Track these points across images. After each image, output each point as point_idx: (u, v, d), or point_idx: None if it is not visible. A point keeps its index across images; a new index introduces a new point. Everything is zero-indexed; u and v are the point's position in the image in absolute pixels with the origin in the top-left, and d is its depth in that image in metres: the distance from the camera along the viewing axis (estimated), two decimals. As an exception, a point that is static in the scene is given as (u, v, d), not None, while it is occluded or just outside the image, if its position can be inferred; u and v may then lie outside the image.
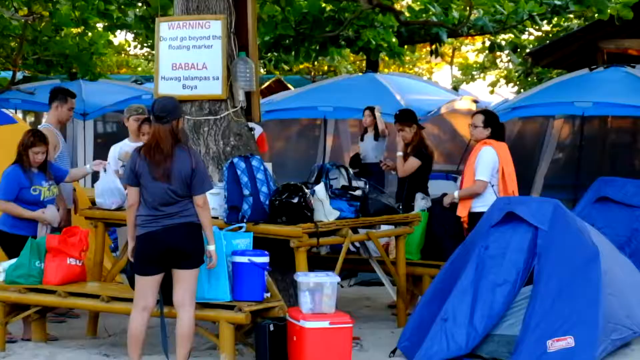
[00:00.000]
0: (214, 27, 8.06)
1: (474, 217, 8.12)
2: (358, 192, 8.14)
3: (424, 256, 8.78)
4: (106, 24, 16.34)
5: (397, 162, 9.57)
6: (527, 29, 20.79)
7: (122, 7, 13.93)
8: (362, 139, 12.02)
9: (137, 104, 10.09)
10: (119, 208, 7.94)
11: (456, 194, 8.51)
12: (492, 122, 8.53)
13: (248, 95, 8.27)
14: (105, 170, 8.01)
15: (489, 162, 8.35)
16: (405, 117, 9.66)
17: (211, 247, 6.53)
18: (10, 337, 7.68)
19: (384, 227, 8.42)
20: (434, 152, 9.78)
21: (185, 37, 8.14)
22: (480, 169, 8.34)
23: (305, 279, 6.77)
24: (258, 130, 10.34)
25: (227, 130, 8.14)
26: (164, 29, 8.24)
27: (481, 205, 8.22)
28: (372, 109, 11.85)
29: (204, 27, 8.09)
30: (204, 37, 8.09)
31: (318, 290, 6.72)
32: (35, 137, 7.74)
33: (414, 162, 9.38)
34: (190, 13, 8.19)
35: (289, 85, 21.11)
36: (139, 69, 29.64)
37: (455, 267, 7.19)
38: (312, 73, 26.80)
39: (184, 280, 6.47)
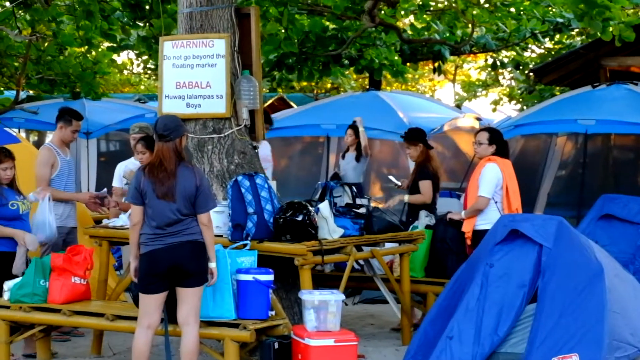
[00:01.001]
0: (218, 46, 8.08)
1: (478, 234, 8.12)
2: (362, 210, 8.15)
3: (428, 274, 8.78)
4: (109, 44, 16.38)
5: (418, 197, 9.56)
6: (529, 46, 20.87)
7: (126, 27, 13.93)
8: (343, 157, 11.81)
9: (144, 122, 10.08)
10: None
11: (463, 214, 8.50)
12: (497, 139, 8.53)
13: (252, 113, 8.28)
14: (42, 200, 7.89)
15: (492, 178, 8.34)
16: (412, 136, 9.68)
17: (212, 265, 6.55)
18: (13, 357, 7.66)
19: (388, 245, 8.42)
20: (437, 171, 9.76)
21: (189, 55, 8.15)
22: (483, 185, 8.34)
23: (310, 296, 6.77)
24: (266, 146, 10.39)
25: (231, 149, 8.15)
26: (168, 47, 8.25)
27: (485, 222, 8.21)
28: (354, 128, 11.48)
29: (207, 45, 8.10)
30: (208, 56, 8.10)
31: (323, 308, 6.72)
32: (1, 153, 7.74)
33: (426, 185, 9.41)
34: (194, 32, 8.21)
35: (292, 103, 21.11)
36: (142, 86, 29.68)
37: (459, 284, 7.16)
38: (315, 91, 26.81)
39: (188, 299, 6.48)
